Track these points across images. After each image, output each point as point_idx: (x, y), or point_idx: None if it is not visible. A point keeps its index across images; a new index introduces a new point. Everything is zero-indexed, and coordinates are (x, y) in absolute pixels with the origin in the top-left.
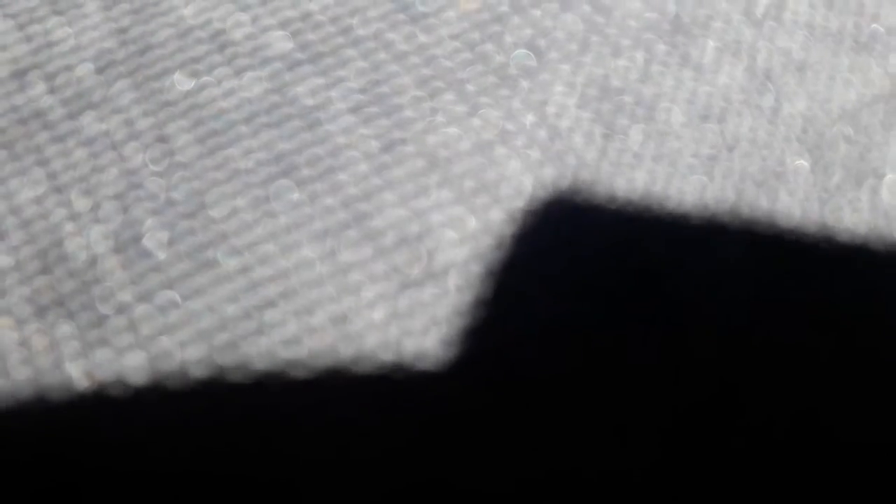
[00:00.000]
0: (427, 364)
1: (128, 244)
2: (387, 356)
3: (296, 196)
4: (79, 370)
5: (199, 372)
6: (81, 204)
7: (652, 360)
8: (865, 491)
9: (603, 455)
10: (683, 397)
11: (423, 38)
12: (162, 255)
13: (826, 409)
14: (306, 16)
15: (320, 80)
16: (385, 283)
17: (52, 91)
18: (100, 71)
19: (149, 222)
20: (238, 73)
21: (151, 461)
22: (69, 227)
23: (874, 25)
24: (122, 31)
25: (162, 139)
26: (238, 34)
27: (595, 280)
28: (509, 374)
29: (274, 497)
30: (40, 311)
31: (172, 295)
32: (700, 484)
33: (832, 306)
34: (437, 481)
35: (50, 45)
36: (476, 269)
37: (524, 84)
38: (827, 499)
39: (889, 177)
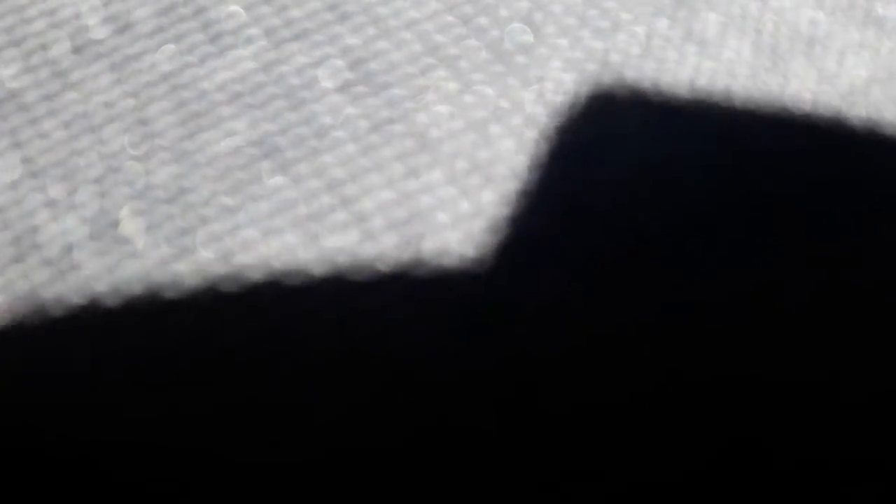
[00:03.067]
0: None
1: (104, 231)
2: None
3: (279, 179)
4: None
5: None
6: (58, 189)
7: (650, 346)
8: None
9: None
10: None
11: (413, 13)
12: (139, 243)
13: (834, 378)
14: None
15: (306, 59)
16: (373, 269)
17: (27, 71)
18: (77, 50)
19: (126, 208)
20: (221, 52)
21: (137, 446)
22: (44, 213)
23: None
24: (101, 7)
25: (142, 122)
26: (221, 11)
27: (592, 262)
28: (506, 355)
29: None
30: (13, 302)
31: (149, 283)
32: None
33: (841, 282)
34: (427, 480)
35: (24, 22)
36: (468, 252)
37: (520, 60)
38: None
39: None
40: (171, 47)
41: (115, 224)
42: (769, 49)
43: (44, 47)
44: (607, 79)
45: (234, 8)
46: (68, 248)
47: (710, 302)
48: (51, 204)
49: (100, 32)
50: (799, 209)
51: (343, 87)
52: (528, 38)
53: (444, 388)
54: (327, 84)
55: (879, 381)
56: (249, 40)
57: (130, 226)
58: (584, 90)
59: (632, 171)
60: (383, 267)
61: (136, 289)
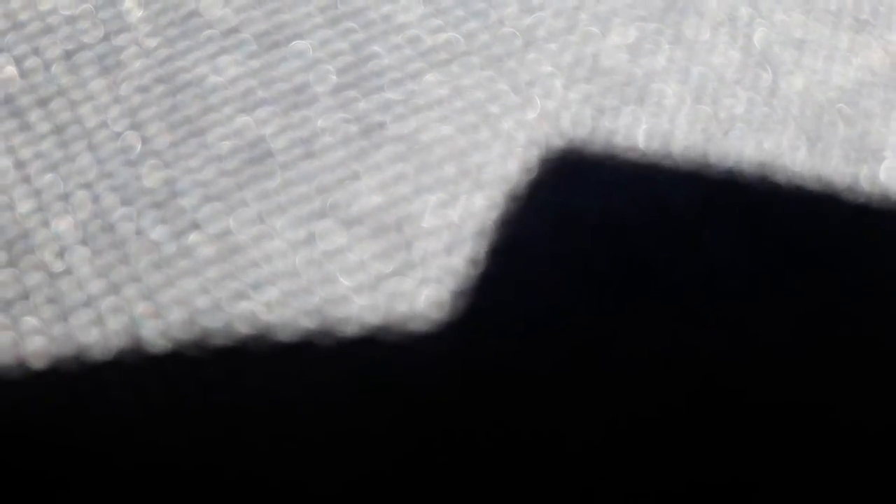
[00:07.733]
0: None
1: (97, 235)
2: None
3: (270, 184)
4: (42, 364)
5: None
6: (50, 194)
7: (643, 354)
8: (869, 471)
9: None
10: (674, 386)
11: (403, 17)
12: (131, 247)
13: (826, 400)
14: None
15: (297, 63)
16: (362, 274)
17: (19, 76)
18: (69, 55)
19: (119, 212)
20: (212, 56)
21: (119, 455)
22: (37, 217)
23: (875, 2)
24: (92, 13)
25: (134, 127)
26: (213, 15)
27: (583, 270)
28: (492, 365)
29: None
30: (5, 305)
31: (141, 287)
32: (691, 476)
33: (831, 292)
34: (411, 471)
35: (17, 26)
36: (458, 258)
37: (510, 64)
38: (832, 483)
39: (888, 159)
40: (162, 52)
41: (108, 228)
42: (758, 53)
43: (36, 52)
44: (597, 84)
45: (225, 12)
46: (60, 252)
47: (702, 317)
48: (43, 208)
49: (91, 36)
50: (785, 228)
51: (333, 92)
52: (518, 42)
53: (435, 400)
54: (318, 88)
55: (865, 412)
56: (240, 45)
57: (122, 230)
58: (574, 95)
59: (622, 179)
60: (371, 272)
61: (130, 292)
